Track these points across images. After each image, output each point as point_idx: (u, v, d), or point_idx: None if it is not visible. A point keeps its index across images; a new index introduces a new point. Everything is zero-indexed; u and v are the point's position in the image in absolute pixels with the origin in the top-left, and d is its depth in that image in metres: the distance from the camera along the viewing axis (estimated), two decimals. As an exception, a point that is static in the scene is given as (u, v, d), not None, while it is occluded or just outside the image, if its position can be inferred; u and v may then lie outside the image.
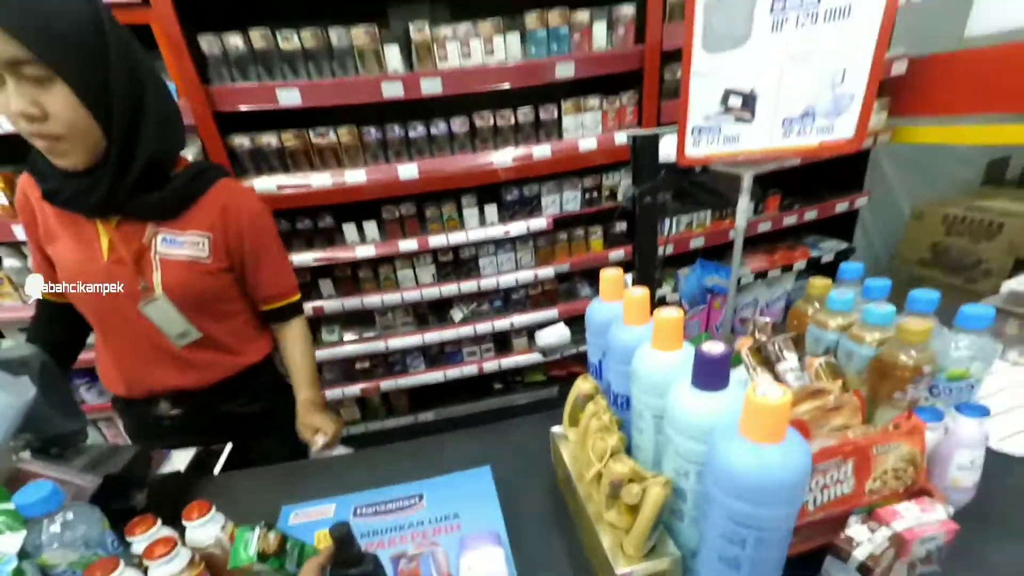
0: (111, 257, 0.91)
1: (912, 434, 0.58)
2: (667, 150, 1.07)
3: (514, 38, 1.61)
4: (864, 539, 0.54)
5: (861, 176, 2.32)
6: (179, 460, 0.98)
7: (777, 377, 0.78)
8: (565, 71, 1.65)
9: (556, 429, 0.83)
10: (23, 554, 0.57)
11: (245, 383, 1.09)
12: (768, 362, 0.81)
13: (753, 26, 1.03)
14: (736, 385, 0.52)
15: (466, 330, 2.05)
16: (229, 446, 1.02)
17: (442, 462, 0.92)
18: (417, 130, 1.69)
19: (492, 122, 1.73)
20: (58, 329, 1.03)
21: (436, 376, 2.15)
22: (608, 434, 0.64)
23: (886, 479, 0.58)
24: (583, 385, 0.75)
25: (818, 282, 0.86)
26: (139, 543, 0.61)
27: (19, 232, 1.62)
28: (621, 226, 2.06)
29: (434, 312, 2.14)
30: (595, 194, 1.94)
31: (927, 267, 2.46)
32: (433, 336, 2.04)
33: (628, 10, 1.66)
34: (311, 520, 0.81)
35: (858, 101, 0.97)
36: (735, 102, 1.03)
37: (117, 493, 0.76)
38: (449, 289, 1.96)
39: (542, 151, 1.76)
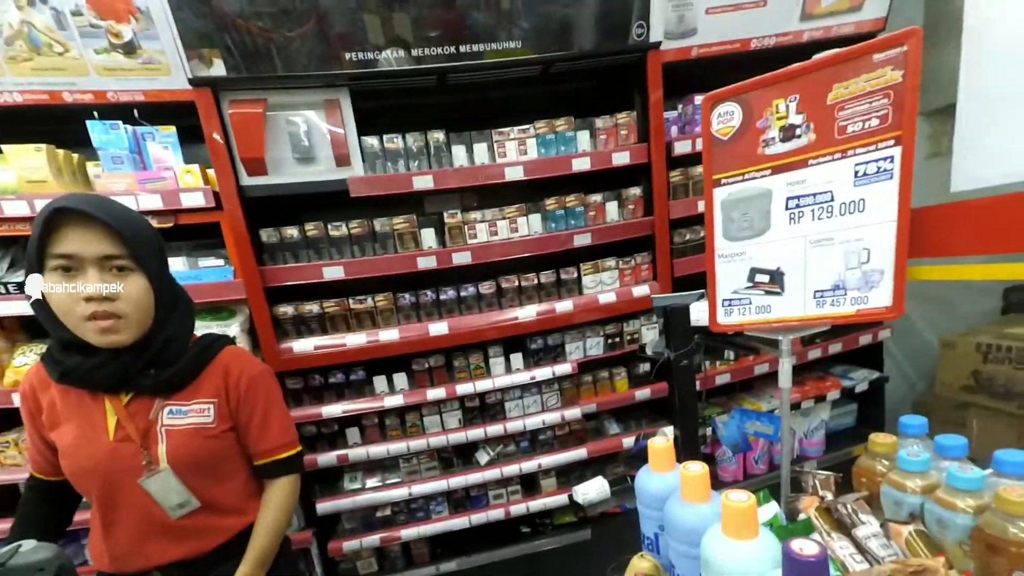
0: (117, 435, 0.97)
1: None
2: (698, 315, 1.12)
3: (536, 218, 1.81)
4: None
5: (880, 310, 2.34)
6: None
7: (858, 545, 0.72)
8: (583, 240, 1.82)
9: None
10: None
11: (242, 544, 1.07)
12: (843, 526, 0.75)
13: (771, 220, 1.09)
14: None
15: (492, 473, 2.01)
16: None
17: None
18: (448, 294, 1.83)
19: (517, 283, 1.86)
20: (52, 508, 1.08)
21: (461, 522, 2.07)
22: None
23: None
24: (640, 564, 0.72)
25: (881, 439, 0.83)
26: None
27: None
28: (645, 367, 2.08)
29: (459, 456, 2.12)
30: (617, 339, 2.00)
31: (972, 393, 2.38)
32: (458, 480, 1.99)
33: (636, 191, 1.85)
34: None
35: (889, 275, 0.97)
36: (762, 279, 1.07)
37: None
38: (475, 433, 1.96)
39: (564, 306, 1.86)
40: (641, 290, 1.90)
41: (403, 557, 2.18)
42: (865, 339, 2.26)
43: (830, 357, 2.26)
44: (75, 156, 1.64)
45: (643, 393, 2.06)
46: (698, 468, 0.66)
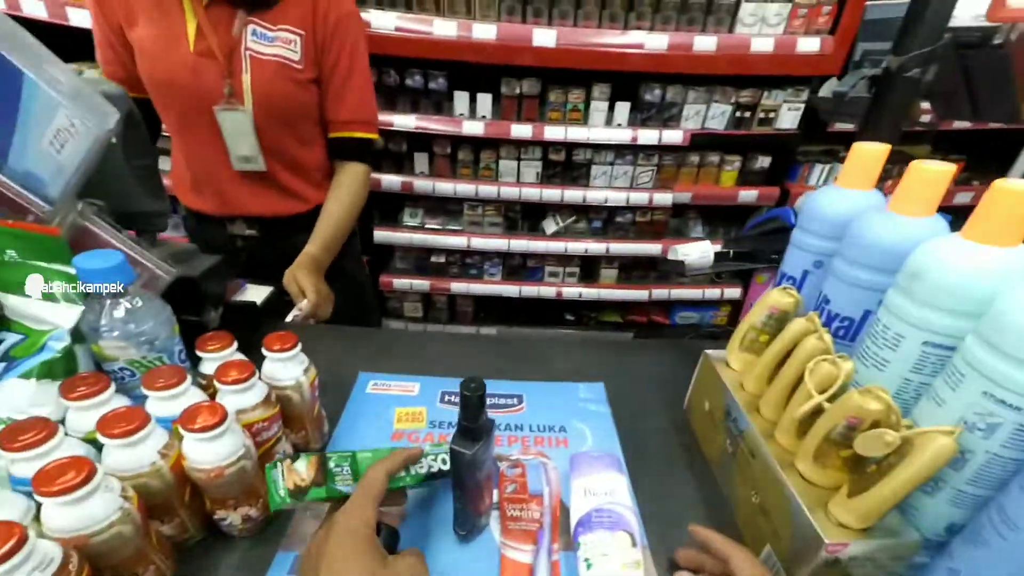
0: (198, 47, 0.82)
1: None
2: (964, 10, 0.75)
3: None
4: None
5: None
6: (254, 293, 0.89)
7: None
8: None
9: (713, 352, 0.64)
10: (77, 335, 0.47)
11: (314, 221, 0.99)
12: None
13: None
14: None
15: (556, 245, 1.86)
16: (307, 302, 0.92)
17: (545, 367, 0.78)
18: (566, -10, 1.41)
19: (657, -11, 1.40)
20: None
21: (511, 290, 2.01)
22: (840, 358, 0.44)
23: None
24: (780, 298, 0.55)
25: None
26: (211, 362, 0.51)
27: None
28: (763, 162, 1.72)
29: (526, 217, 1.95)
30: (747, 114, 1.61)
31: None
32: (519, 244, 1.86)
33: None
34: (390, 394, 0.70)
35: None
36: None
37: (191, 301, 0.65)
38: (551, 194, 1.75)
39: (705, 43, 1.43)
40: (809, 44, 1.43)
41: (447, 310, 2.20)
42: None
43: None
44: None
45: (749, 195, 1.74)
46: (937, 165, 0.43)
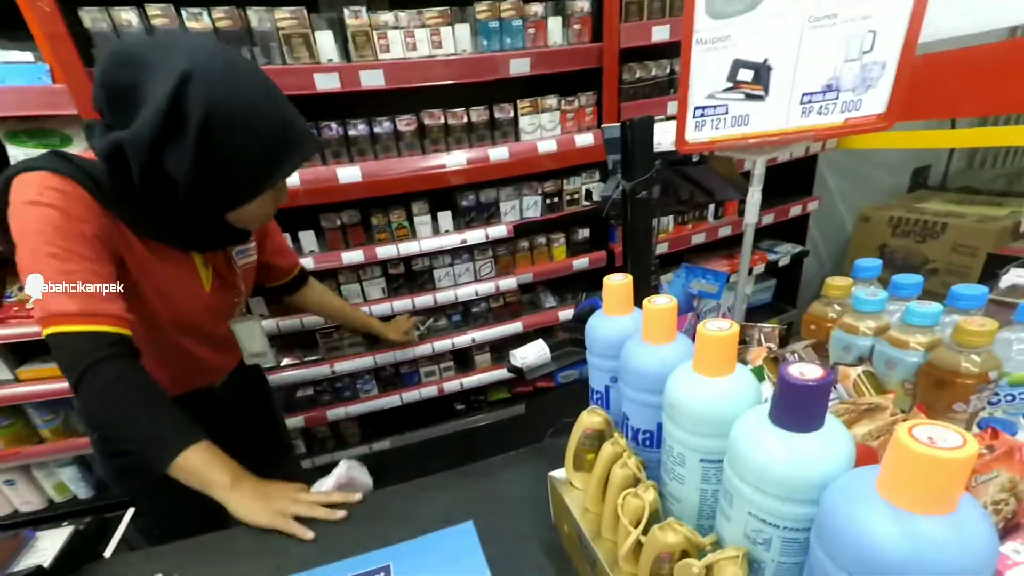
0: (213, 285, 0.92)
1: (1010, 457, 0.48)
2: (661, 137, 0.94)
3: (464, 29, 1.47)
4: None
5: (811, 180, 2.38)
6: (46, 546, 0.72)
7: None
8: (520, 67, 1.53)
9: (556, 474, 0.67)
10: None
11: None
12: None
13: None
14: (833, 421, 0.38)
15: (423, 348, 1.85)
16: (130, 512, 0.77)
17: (411, 521, 0.74)
18: (358, 128, 1.49)
19: (443, 120, 1.56)
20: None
21: (392, 400, 1.93)
22: (642, 488, 0.49)
23: (993, 519, 0.46)
24: (590, 419, 0.61)
25: (837, 282, 0.77)
26: None
27: None
28: (584, 233, 1.95)
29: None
30: (556, 199, 1.82)
31: (874, 268, 2.58)
32: (386, 356, 1.81)
33: (583, 4, 1.56)
34: None
35: (891, 71, 0.84)
36: (745, 75, 0.90)
37: None
38: (402, 304, 1.75)
39: (499, 153, 1.61)
40: (584, 139, 1.70)
41: (333, 438, 2.02)
42: (796, 210, 2.30)
43: (761, 229, 2.28)
44: None
45: (581, 263, 1.95)
46: (665, 301, 0.54)
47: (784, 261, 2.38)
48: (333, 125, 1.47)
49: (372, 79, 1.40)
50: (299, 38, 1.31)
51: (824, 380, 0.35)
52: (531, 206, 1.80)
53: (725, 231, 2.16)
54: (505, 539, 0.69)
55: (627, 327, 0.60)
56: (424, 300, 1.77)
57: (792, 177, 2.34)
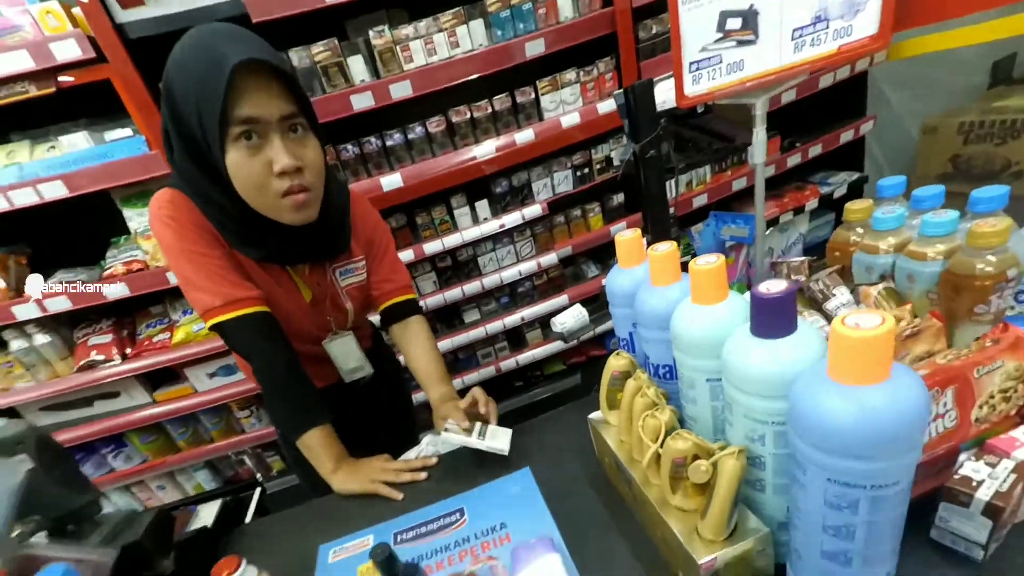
0: (311, 300, 0.95)
1: (1016, 347, 0.50)
2: (664, 95, 0.97)
3: (478, 25, 1.54)
4: (983, 476, 0.46)
5: (862, 101, 2.22)
6: (206, 515, 0.91)
7: (829, 318, 0.70)
8: (535, 49, 1.58)
9: (594, 416, 0.75)
10: None
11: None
12: (815, 302, 0.74)
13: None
14: (805, 326, 0.44)
15: (477, 332, 1.98)
16: (258, 491, 0.95)
17: (478, 473, 0.86)
18: (394, 138, 1.63)
19: (469, 115, 1.66)
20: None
21: (455, 383, 2.07)
22: (658, 410, 0.57)
23: (994, 403, 0.50)
24: (616, 362, 0.68)
25: (856, 205, 0.78)
26: None
27: (21, 312, 1.55)
28: (619, 198, 1.97)
29: (440, 320, 2.06)
30: (586, 170, 1.86)
31: (949, 181, 2.34)
32: (444, 344, 1.96)
33: (590, -26, 1.58)
34: (351, 556, 0.75)
35: None
36: (734, 24, 0.90)
37: (140, 562, 0.70)
38: (453, 294, 1.89)
39: (525, 136, 1.68)
40: (607, 105, 1.72)
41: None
42: (847, 136, 2.17)
43: (810, 163, 2.17)
44: None
45: (619, 228, 1.98)
46: (666, 247, 0.60)
47: (840, 191, 2.25)
48: (372, 140, 1.62)
49: (401, 91, 1.52)
50: (335, 67, 1.47)
51: (787, 292, 0.41)
52: (562, 181, 1.85)
53: (768, 171, 2.07)
54: (557, 479, 0.79)
55: (639, 277, 0.67)
56: (472, 287, 1.89)
57: (839, 100, 2.19)
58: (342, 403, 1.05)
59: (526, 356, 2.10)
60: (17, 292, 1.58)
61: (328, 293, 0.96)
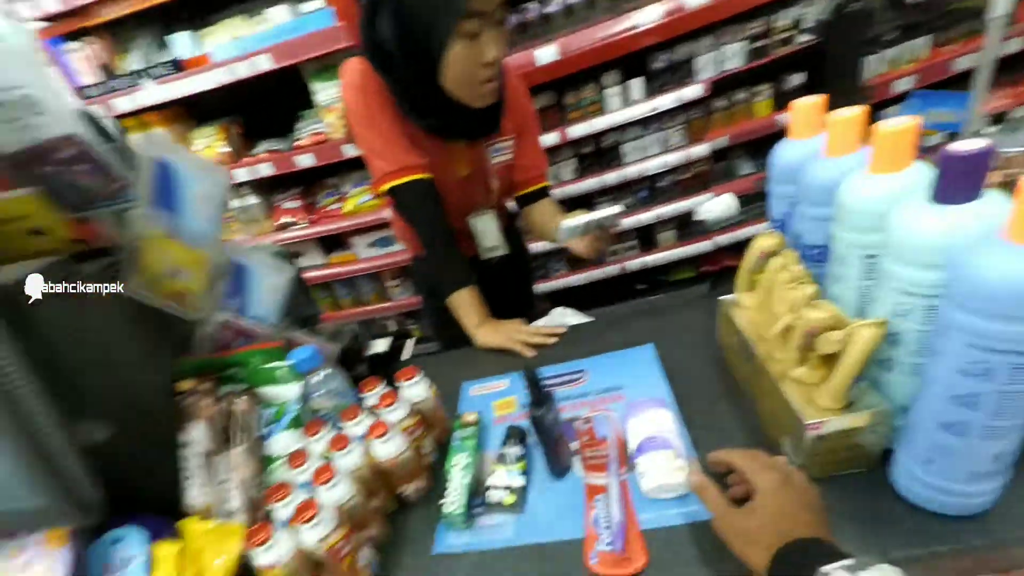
0: (465, 173, 1.02)
1: None
2: None
3: None
4: None
5: None
6: (380, 345, 1.16)
7: None
8: None
9: (725, 297, 0.77)
10: (301, 400, 0.75)
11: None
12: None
13: None
14: (991, 194, 0.40)
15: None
16: (413, 340, 1.18)
17: (602, 343, 0.93)
18: (554, 5, 1.55)
19: (636, -28, 1.48)
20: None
21: (578, 278, 2.14)
22: (801, 284, 0.57)
23: None
24: (765, 241, 0.67)
25: None
26: (371, 397, 0.75)
27: (238, 175, 1.91)
28: (797, 79, 1.69)
29: (574, 210, 2.08)
30: (764, 42, 1.60)
31: None
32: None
33: None
34: (487, 392, 0.90)
35: None
36: None
37: (346, 362, 0.94)
38: (591, 183, 1.88)
39: (697, -2, 1.48)
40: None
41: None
42: None
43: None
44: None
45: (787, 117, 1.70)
46: (853, 111, 0.52)
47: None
48: (532, 5, 1.55)
49: None
50: None
51: (982, 151, 0.37)
52: (732, 56, 1.62)
53: (1012, 45, 1.53)
54: (677, 356, 0.84)
55: (810, 150, 0.62)
56: (612, 177, 1.85)
57: None
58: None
59: (655, 258, 2.05)
60: (236, 156, 1.97)
61: (480, 169, 1.02)
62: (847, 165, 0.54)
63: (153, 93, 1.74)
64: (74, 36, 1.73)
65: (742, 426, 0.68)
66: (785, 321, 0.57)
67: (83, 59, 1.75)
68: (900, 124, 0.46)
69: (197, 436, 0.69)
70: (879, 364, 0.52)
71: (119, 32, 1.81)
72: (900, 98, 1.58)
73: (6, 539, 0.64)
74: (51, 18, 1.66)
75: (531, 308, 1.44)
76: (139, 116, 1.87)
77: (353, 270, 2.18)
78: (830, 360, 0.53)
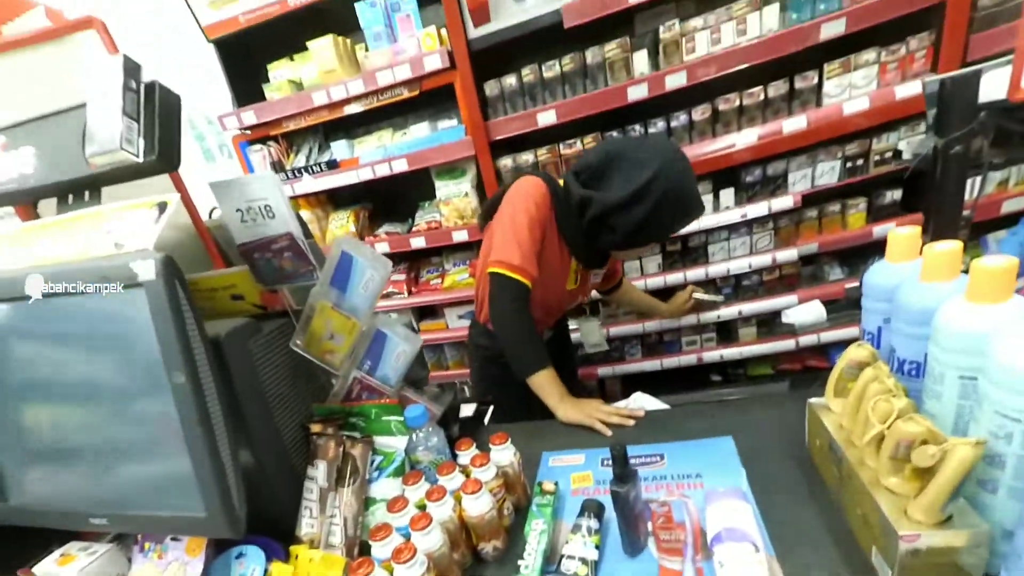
0: (572, 288, 1.30)
1: None
2: (990, 88, 0.84)
3: (772, 11, 1.51)
4: None
5: None
6: (467, 410, 1.28)
7: None
8: (833, 29, 1.47)
9: (815, 400, 0.79)
10: (406, 451, 0.86)
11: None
12: None
13: None
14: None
15: (689, 319, 1.97)
16: (491, 408, 1.30)
17: (680, 431, 0.96)
18: (657, 125, 1.74)
19: (737, 103, 1.66)
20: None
21: (652, 364, 2.13)
22: (894, 397, 0.60)
23: None
24: (858, 352, 0.71)
25: None
26: (464, 456, 0.82)
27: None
28: (893, 195, 1.70)
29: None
30: (860, 161, 1.66)
31: None
32: (652, 324, 2.02)
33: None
34: (565, 465, 0.94)
35: None
36: None
37: (446, 420, 1.06)
38: (674, 278, 1.93)
39: (795, 124, 1.60)
40: (909, 88, 1.49)
41: (599, 391, 2.37)
42: None
43: None
44: (347, 40, 1.94)
45: (884, 228, 1.70)
46: (949, 245, 0.61)
47: None
48: (637, 126, 1.76)
49: (675, 80, 1.61)
50: (620, 62, 1.65)
51: None
52: (826, 172, 1.70)
53: None
54: (758, 453, 0.84)
55: (907, 274, 0.67)
56: (696, 273, 1.91)
57: None
58: None
59: (732, 351, 2.03)
60: (360, 236, 2.25)
61: (583, 285, 1.33)
62: (944, 292, 0.60)
63: (308, 184, 2.15)
64: (262, 140, 2.22)
65: (827, 528, 0.69)
66: (877, 430, 0.59)
67: (261, 157, 2.22)
68: (999, 263, 0.52)
69: (319, 473, 0.81)
70: (980, 485, 0.53)
71: (294, 138, 2.30)
72: (1009, 218, 1.54)
73: (155, 542, 0.77)
74: (248, 127, 2.16)
75: (575, 382, 1.70)
76: (293, 200, 2.27)
77: (441, 337, 2.35)
78: (925, 474, 0.54)
